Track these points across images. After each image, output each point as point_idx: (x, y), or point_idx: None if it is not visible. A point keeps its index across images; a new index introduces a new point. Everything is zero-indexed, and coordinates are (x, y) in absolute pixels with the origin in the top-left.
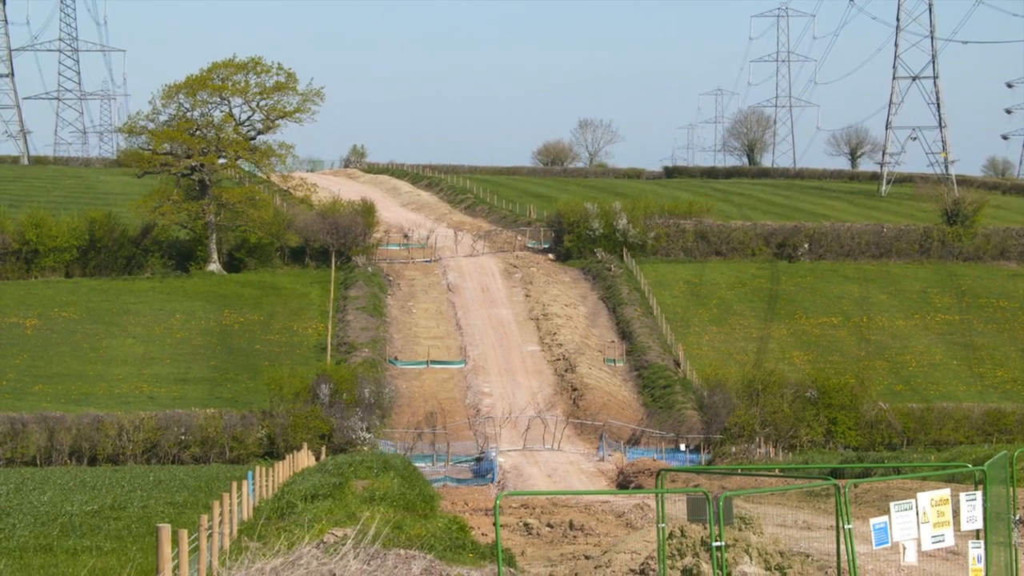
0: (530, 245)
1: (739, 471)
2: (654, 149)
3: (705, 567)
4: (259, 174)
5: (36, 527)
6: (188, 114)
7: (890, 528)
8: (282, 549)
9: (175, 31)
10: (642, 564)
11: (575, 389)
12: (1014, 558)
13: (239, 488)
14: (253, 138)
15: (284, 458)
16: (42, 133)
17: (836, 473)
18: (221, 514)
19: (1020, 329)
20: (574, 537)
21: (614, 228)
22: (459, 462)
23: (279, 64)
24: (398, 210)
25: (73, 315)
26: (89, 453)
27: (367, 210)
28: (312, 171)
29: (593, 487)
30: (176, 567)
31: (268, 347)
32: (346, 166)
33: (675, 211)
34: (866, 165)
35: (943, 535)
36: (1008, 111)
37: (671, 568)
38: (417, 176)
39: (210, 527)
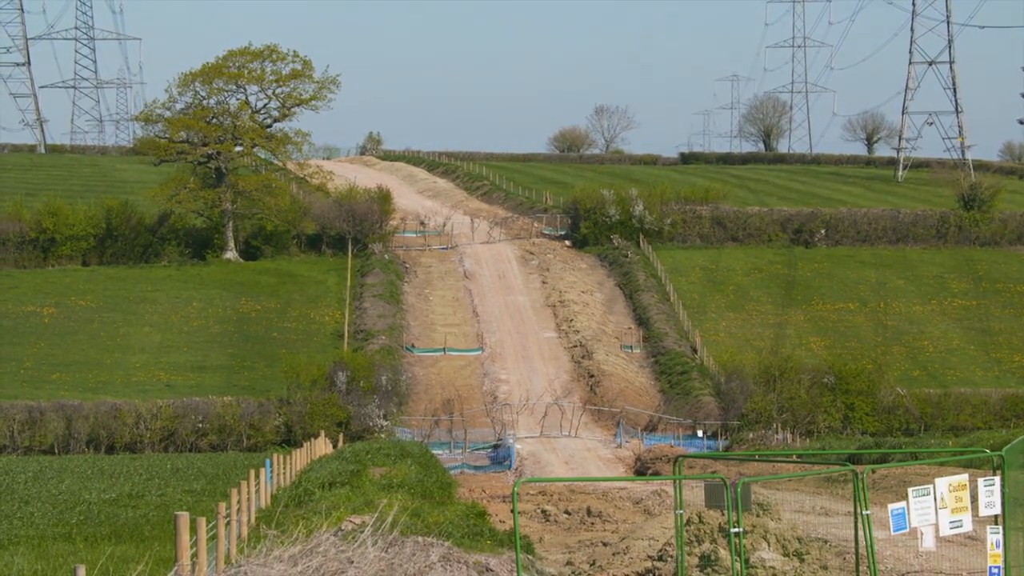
0: (546, 232)
1: (756, 457)
2: (670, 135)
3: (723, 553)
4: (275, 162)
5: (55, 515)
6: (204, 102)
7: (908, 514)
8: (300, 537)
9: (190, 19)
10: (660, 550)
11: (592, 376)
12: None
13: (257, 476)
14: (269, 126)
15: (301, 446)
16: (59, 122)
17: (854, 459)
18: (239, 502)
19: None
20: (592, 524)
21: (630, 215)
22: (476, 449)
23: (295, 52)
24: (414, 197)
25: (90, 303)
26: (107, 441)
27: (383, 197)
28: (328, 159)
29: (610, 474)
30: (194, 555)
31: (285, 335)
32: (362, 154)
33: (691, 197)
34: (882, 150)
35: (961, 520)
36: None
37: (689, 554)
38: (433, 163)
39: (228, 515)
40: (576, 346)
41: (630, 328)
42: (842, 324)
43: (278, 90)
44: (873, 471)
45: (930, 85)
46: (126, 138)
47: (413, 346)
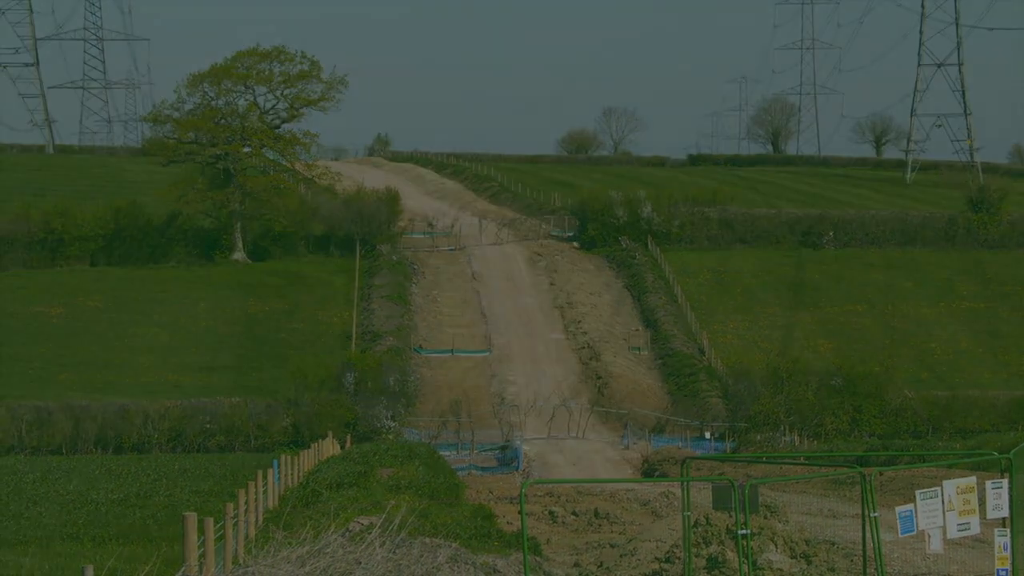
0: (554, 233)
1: (764, 459)
2: (678, 137)
3: (730, 555)
4: (283, 163)
5: (63, 515)
6: (213, 103)
7: (916, 516)
8: (308, 537)
9: (199, 20)
10: (667, 552)
11: (600, 377)
12: None
13: (264, 477)
14: (278, 127)
15: (309, 447)
16: (67, 122)
17: (861, 461)
18: (247, 503)
19: None
20: (599, 525)
21: (638, 216)
22: (484, 450)
23: (303, 52)
24: (422, 198)
25: (98, 304)
26: (115, 442)
27: (391, 198)
28: (336, 160)
29: (618, 475)
30: (202, 555)
31: (293, 336)
32: (370, 155)
33: (700, 199)
34: (891, 152)
35: (969, 523)
36: None
37: (696, 556)
38: (441, 164)
39: (236, 516)
40: (584, 348)
41: (638, 330)
42: (850, 326)
43: (286, 91)
44: (881, 473)
45: (939, 87)
46: (135, 139)
47: (421, 347)
